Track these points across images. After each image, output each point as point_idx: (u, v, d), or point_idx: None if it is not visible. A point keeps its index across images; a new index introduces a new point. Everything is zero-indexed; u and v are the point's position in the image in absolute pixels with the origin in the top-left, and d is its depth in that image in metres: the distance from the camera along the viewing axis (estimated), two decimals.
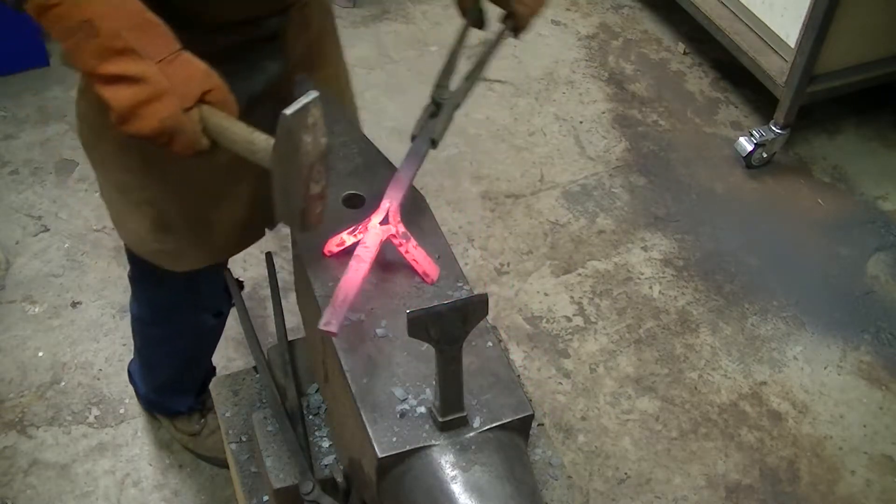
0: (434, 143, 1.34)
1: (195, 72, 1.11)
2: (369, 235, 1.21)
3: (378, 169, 1.36)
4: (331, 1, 1.62)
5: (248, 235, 1.63)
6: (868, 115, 3.27)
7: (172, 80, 1.08)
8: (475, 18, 1.45)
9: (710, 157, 3.12)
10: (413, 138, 1.35)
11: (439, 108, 1.37)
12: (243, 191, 1.52)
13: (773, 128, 2.99)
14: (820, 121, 3.23)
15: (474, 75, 1.42)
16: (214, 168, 1.43)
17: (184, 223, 1.55)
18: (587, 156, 3.08)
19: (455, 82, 1.40)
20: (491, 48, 1.45)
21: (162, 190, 1.51)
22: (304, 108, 1.03)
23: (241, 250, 1.66)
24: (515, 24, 1.44)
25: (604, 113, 3.23)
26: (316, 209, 1.13)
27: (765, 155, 3.05)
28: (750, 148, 3.00)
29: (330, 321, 1.11)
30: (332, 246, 1.25)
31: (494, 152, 3.05)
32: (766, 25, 2.98)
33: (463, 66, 1.42)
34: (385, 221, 1.22)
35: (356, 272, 1.17)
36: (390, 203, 1.24)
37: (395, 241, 1.22)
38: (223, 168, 1.44)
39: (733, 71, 3.29)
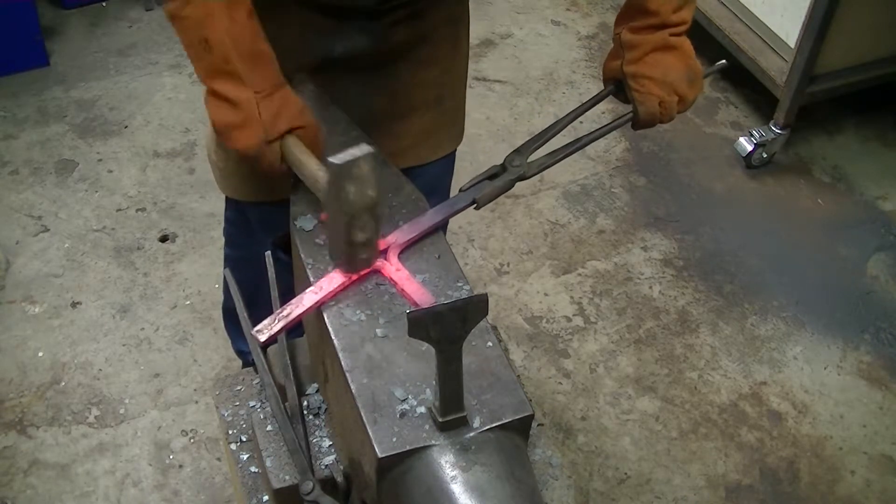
0: (476, 204, 1.34)
1: (288, 109, 1.20)
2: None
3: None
4: (467, 11, 1.60)
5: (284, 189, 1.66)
6: (868, 115, 3.27)
7: (263, 113, 1.18)
8: (616, 93, 1.49)
9: (710, 157, 3.12)
10: (460, 190, 1.35)
11: (503, 173, 1.36)
12: None
13: (773, 128, 2.99)
14: (820, 121, 3.23)
15: (560, 154, 1.40)
16: None
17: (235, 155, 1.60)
18: (587, 156, 3.08)
19: (537, 154, 1.38)
20: (595, 134, 1.44)
21: None
22: (353, 160, 1.06)
23: (280, 197, 1.67)
24: (635, 122, 1.46)
25: (604, 113, 3.22)
26: (360, 255, 1.18)
27: (765, 155, 3.05)
28: (750, 148, 3.00)
29: (263, 330, 1.15)
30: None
31: (494, 152, 3.05)
32: (766, 25, 2.98)
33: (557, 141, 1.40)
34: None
35: (312, 296, 1.18)
36: (393, 242, 1.23)
37: (385, 273, 1.22)
38: None
39: (733, 71, 3.28)
